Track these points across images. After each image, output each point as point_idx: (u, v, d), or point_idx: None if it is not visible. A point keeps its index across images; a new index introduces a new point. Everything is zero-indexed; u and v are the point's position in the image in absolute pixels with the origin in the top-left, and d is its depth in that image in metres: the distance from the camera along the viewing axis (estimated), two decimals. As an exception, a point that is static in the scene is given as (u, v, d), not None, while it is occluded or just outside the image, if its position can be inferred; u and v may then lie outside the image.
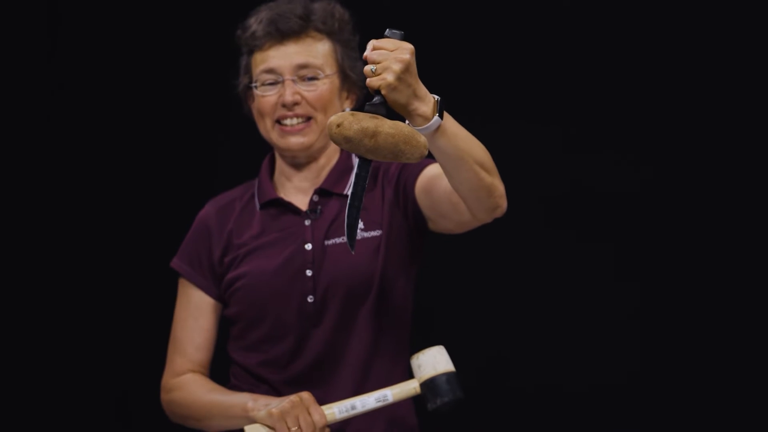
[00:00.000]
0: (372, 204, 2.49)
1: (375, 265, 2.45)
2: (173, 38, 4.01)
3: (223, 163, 4.21)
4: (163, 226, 3.85)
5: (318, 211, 2.50)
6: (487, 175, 2.21)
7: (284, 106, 2.47)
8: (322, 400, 2.38)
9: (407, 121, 2.06)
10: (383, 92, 2.01)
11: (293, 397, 2.32)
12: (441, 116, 2.07)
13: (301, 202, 2.53)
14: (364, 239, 2.46)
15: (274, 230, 2.52)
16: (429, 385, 2.32)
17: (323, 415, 2.31)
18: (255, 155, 2.65)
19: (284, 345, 2.47)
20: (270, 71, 2.49)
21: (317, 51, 2.49)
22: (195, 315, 2.56)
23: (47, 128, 3.94)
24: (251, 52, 2.52)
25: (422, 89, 2.05)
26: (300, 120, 2.48)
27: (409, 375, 2.42)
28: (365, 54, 2.02)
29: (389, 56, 2.00)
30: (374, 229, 2.47)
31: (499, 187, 2.25)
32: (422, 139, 2.01)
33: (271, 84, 2.49)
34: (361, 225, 2.47)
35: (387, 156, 2.00)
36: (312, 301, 2.46)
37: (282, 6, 2.50)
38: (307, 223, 2.50)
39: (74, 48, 3.96)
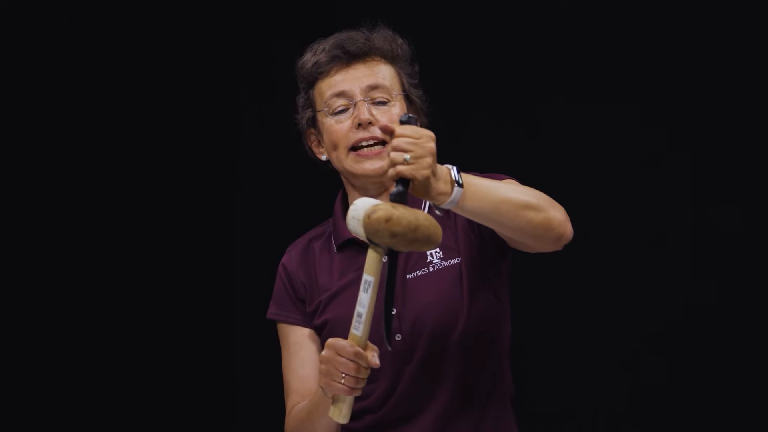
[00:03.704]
0: (447, 231, 2.41)
1: (460, 292, 2.38)
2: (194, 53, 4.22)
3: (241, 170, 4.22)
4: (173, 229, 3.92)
5: None
6: (537, 213, 2.17)
7: (360, 125, 2.39)
8: None
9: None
10: (416, 181, 2.03)
11: (321, 358, 2.20)
12: (460, 186, 2.08)
13: None
14: (444, 268, 2.40)
15: (352, 271, 2.45)
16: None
17: (349, 344, 2.15)
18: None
19: (379, 387, 2.40)
20: (340, 95, 2.42)
21: (385, 73, 2.43)
22: (295, 350, 2.50)
23: (51, 129, 4.05)
24: (313, 84, 2.46)
25: (437, 168, 2.07)
26: (376, 143, 2.41)
27: (508, 404, 2.40)
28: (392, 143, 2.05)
29: (418, 145, 2.02)
30: (453, 258, 2.40)
31: (556, 217, 2.20)
32: (439, 227, 2.04)
33: (342, 111, 2.42)
34: (440, 254, 2.40)
35: (417, 247, 2.03)
36: (400, 339, 2.39)
37: (341, 35, 2.46)
38: (384, 259, 2.36)
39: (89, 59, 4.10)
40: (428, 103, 2.50)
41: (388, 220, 1.99)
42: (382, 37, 2.45)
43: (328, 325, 2.44)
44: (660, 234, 3.89)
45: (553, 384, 3.96)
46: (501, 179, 2.36)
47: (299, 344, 2.49)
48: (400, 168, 2.03)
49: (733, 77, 3.80)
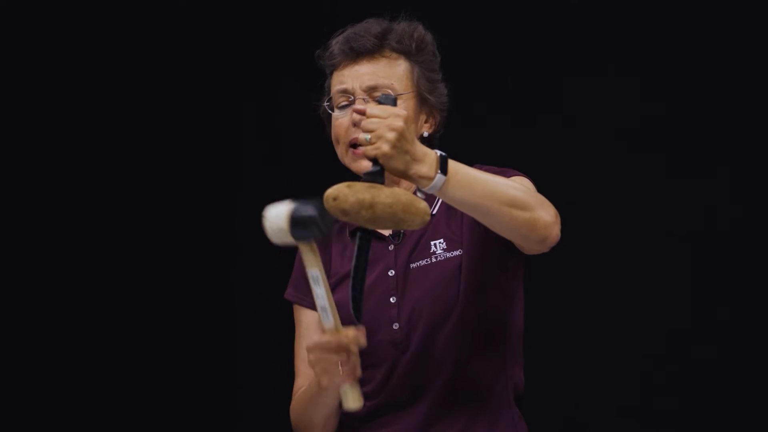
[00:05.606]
0: (453, 222, 2.42)
1: (456, 285, 2.38)
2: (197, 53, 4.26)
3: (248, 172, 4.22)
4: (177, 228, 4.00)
5: (401, 235, 2.44)
6: (522, 212, 2.16)
7: (354, 125, 2.39)
8: (414, 425, 2.37)
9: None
10: (380, 161, 2.04)
11: (311, 363, 2.20)
12: (445, 172, 2.07)
13: None
14: (446, 259, 2.40)
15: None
16: (295, 224, 2.08)
17: (330, 339, 2.16)
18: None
19: (378, 373, 2.42)
20: (343, 92, 2.42)
21: (391, 71, 2.41)
22: (305, 334, 2.51)
23: (55, 132, 4.07)
24: (331, 73, 2.47)
25: (419, 151, 2.07)
26: None
27: (511, 398, 2.40)
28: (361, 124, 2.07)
29: (382, 124, 2.03)
30: (455, 249, 2.40)
31: (543, 217, 2.19)
32: (422, 205, 2.05)
33: (344, 106, 2.43)
34: (443, 245, 2.41)
35: (388, 225, 2.04)
36: (398, 328, 2.40)
37: (360, 26, 2.44)
38: (390, 248, 2.44)
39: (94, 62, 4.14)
40: (448, 98, 2.47)
41: (335, 198, 2.00)
42: (398, 31, 2.42)
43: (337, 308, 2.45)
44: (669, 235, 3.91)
45: (558, 384, 3.95)
46: (509, 175, 2.35)
47: (310, 328, 2.50)
48: (363, 149, 2.07)
49: (737, 78, 3.81)
